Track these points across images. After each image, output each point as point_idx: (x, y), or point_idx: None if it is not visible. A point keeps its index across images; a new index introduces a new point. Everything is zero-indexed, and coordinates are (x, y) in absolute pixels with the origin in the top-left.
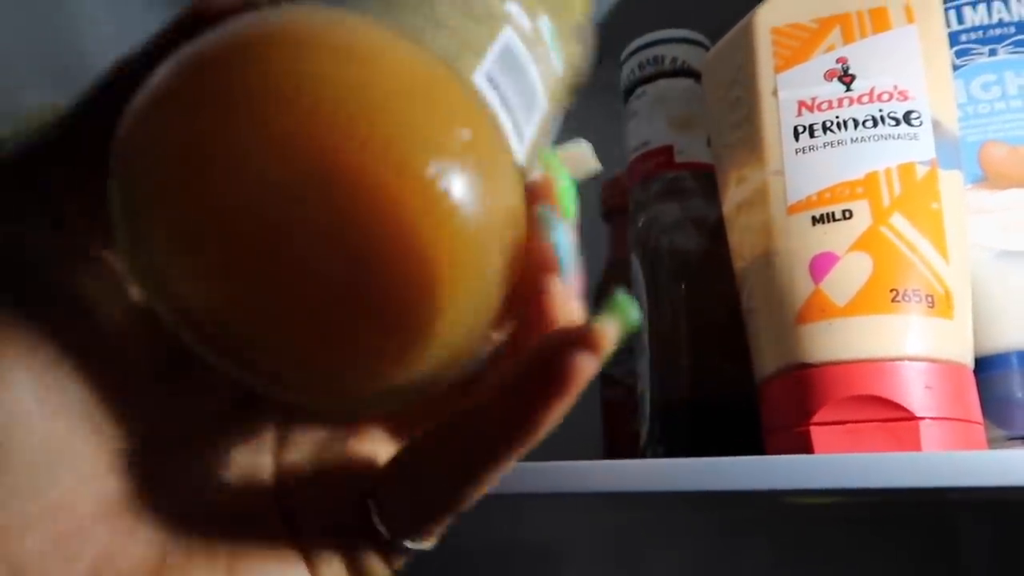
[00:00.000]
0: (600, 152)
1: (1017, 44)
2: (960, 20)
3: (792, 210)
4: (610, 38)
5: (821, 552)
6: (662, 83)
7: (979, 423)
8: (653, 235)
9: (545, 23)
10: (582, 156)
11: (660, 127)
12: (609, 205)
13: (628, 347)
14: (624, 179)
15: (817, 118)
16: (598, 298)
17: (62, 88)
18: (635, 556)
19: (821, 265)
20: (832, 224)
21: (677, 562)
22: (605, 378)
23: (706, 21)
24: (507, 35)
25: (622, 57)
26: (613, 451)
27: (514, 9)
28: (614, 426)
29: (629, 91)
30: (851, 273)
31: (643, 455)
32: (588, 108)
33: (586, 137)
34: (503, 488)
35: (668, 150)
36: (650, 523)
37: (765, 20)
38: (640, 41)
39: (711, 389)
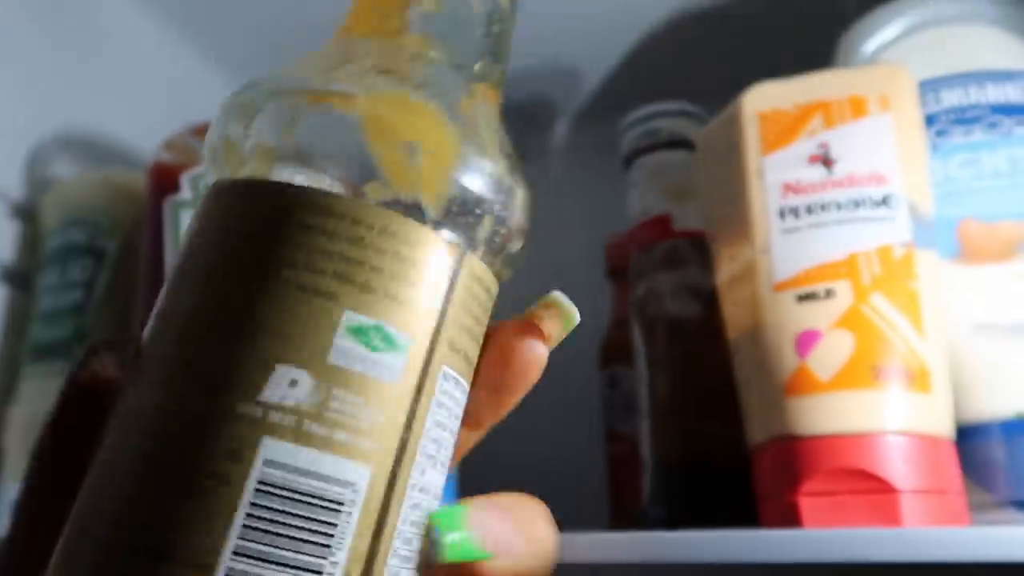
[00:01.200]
0: (606, 212)
1: (992, 125)
2: (938, 101)
3: (778, 288)
4: (612, 95)
5: None
6: (659, 155)
7: (960, 494)
8: (651, 302)
9: None
10: (564, 307)
11: (657, 197)
12: (614, 265)
13: (631, 404)
14: (627, 240)
15: (801, 200)
16: (604, 353)
17: (85, 158)
18: None
19: (806, 341)
20: (816, 302)
21: None
22: (610, 433)
23: (702, 88)
24: None
25: (622, 128)
26: (618, 504)
27: None
28: (619, 480)
29: (628, 161)
30: (834, 350)
31: (645, 513)
32: (598, 166)
33: (594, 196)
34: None
35: (666, 219)
36: None
37: (752, 105)
38: (637, 114)
39: (708, 453)
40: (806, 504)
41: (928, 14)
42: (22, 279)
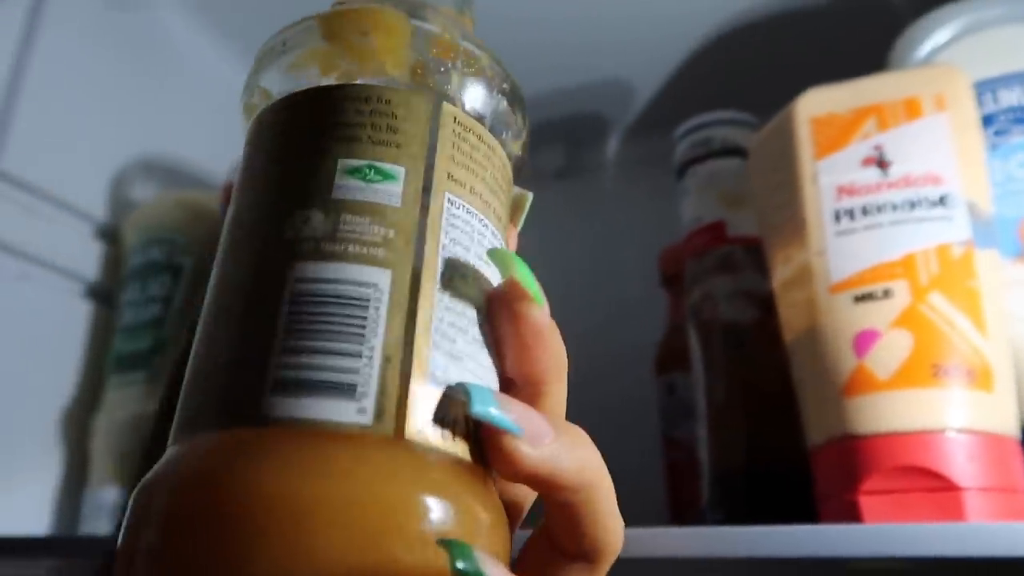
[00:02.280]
0: (657, 221)
1: None
2: (995, 101)
3: (834, 289)
4: (664, 108)
5: None
6: (712, 163)
7: None
8: (707, 307)
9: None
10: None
11: (711, 204)
12: (667, 272)
13: (688, 411)
14: (681, 248)
15: (856, 202)
16: (660, 360)
17: (163, 181)
18: None
19: (864, 341)
20: (873, 303)
21: None
22: (667, 440)
23: (754, 98)
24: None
25: (675, 137)
26: (677, 511)
27: None
28: (678, 486)
29: (682, 170)
30: (892, 349)
31: (704, 518)
32: (651, 179)
33: (647, 208)
34: None
35: (720, 226)
36: None
37: (805, 110)
38: (690, 124)
39: (766, 456)
40: (866, 503)
41: (982, 15)
42: (106, 295)
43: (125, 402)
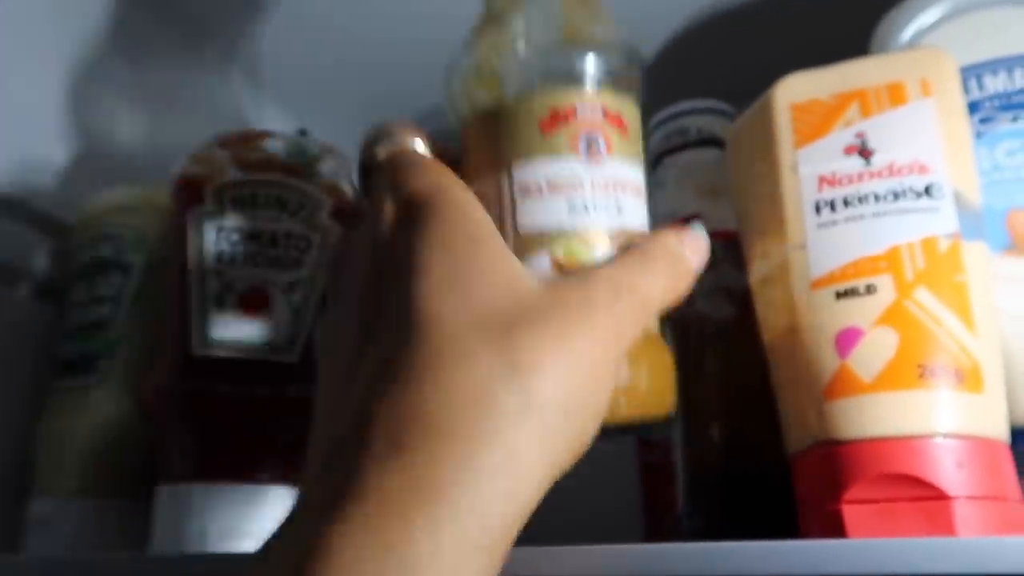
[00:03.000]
0: None
1: None
2: (981, 87)
3: (815, 285)
4: (645, 105)
5: None
6: (688, 154)
7: (1017, 500)
8: (683, 304)
9: None
10: None
11: (687, 197)
12: None
13: None
14: None
15: (838, 193)
16: None
17: (115, 174)
18: None
19: (846, 340)
20: (856, 299)
21: None
22: (642, 442)
23: (732, 88)
24: None
25: (649, 126)
26: (651, 515)
27: None
28: (653, 490)
29: (656, 161)
30: (877, 348)
31: (680, 523)
32: None
33: None
34: (539, 571)
35: (696, 219)
36: None
37: (784, 96)
38: (665, 112)
39: (744, 460)
40: (850, 512)
41: None
42: (54, 294)
43: (71, 408)
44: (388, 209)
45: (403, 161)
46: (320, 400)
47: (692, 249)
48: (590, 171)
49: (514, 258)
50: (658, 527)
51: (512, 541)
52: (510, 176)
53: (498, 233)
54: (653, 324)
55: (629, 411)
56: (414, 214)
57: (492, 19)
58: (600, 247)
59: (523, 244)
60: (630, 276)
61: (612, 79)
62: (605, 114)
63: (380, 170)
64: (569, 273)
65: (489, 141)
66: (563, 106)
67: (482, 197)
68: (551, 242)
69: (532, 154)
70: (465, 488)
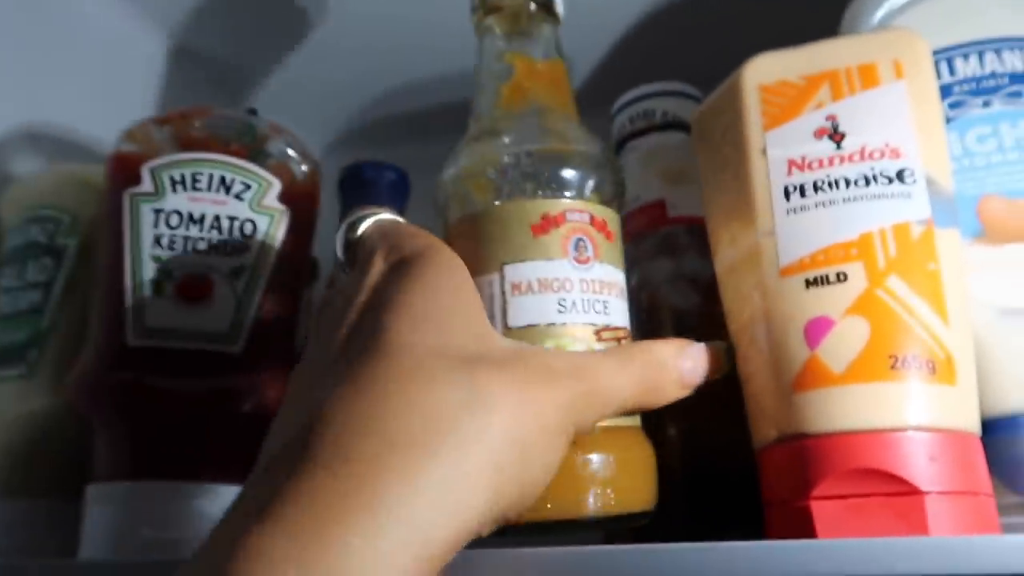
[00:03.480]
0: None
1: (1011, 95)
2: (952, 71)
3: (785, 272)
4: (603, 85)
5: None
6: (653, 137)
7: (990, 495)
8: (647, 293)
9: None
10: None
11: (652, 182)
12: None
13: None
14: None
15: (808, 177)
16: None
17: (47, 154)
18: None
19: (816, 330)
20: (826, 287)
21: None
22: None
23: (699, 73)
24: None
25: (613, 110)
26: None
27: None
28: None
29: (620, 145)
30: (848, 339)
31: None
32: None
33: None
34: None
35: (660, 205)
36: None
37: (753, 77)
38: (630, 95)
39: (712, 456)
40: (819, 509)
41: None
42: None
43: (1, 399)
44: (378, 262)
45: (395, 227)
46: (280, 409)
47: (692, 360)
48: (578, 271)
49: (488, 319)
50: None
51: (449, 560)
52: (502, 275)
53: (478, 294)
54: (634, 420)
55: (610, 506)
56: (405, 264)
57: (485, 131)
58: (586, 342)
59: (514, 338)
60: (597, 367)
61: (597, 189)
62: (592, 220)
63: (369, 236)
64: None
65: (479, 242)
66: (554, 212)
67: None
68: (540, 337)
69: (524, 255)
70: (409, 499)
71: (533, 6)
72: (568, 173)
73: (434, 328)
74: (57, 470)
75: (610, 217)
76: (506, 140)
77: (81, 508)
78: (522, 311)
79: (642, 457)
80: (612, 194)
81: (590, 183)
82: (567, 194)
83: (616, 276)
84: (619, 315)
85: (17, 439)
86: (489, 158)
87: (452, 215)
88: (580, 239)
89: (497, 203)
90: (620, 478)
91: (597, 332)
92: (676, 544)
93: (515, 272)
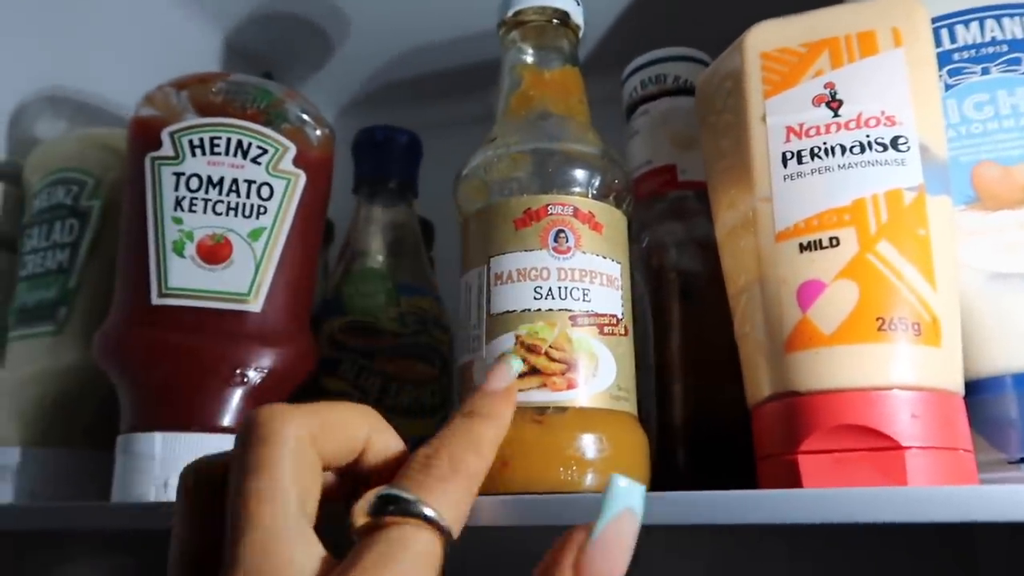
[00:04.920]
0: None
1: (1010, 63)
2: (952, 39)
3: (780, 237)
4: (612, 49)
5: (837, 570)
6: (665, 102)
7: (968, 451)
8: (656, 255)
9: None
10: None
11: (662, 146)
12: None
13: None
14: None
15: (805, 144)
16: None
17: (70, 117)
18: (647, 559)
19: (808, 293)
20: (819, 252)
21: (690, 565)
22: None
23: (710, 38)
24: None
25: (624, 75)
26: None
27: None
28: None
29: (631, 109)
30: (838, 301)
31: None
32: (602, 123)
33: None
34: (502, 519)
35: (671, 169)
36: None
37: (754, 44)
38: (642, 59)
39: (715, 413)
40: (806, 463)
41: None
42: (8, 241)
43: (29, 356)
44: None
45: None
46: None
47: (493, 378)
48: (556, 261)
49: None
50: None
51: None
52: (488, 266)
53: None
54: (630, 407)
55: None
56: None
57: (489, 139)
58: (561, 327)
59: (495, 324)
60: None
61: (588, 184)
62: (576, 212)
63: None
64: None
65: (477, 238)
66: (535, 206)
67: (468, 285)
68: (517, 322)
69: (506, 247)
70: None
71: (555, 21)
72: (552, 170)
73: None
74: (87, 422)
75: (600, 209)
76: (502, 144)
77: (111, 457)
78: (502, 299)
79: (635, 441)
80: (606, 188)
81: (578, 178)
82: (551, 190)
83: (603, 265)
84: (605, 302)
85: (49, 392)
86: (483, 163)
87: (460, 217)
88: (560, 231)
89: (488, 202)
90: (614, 459)
91: (572, 318)
92: (668, 492)
93: (498, 263)
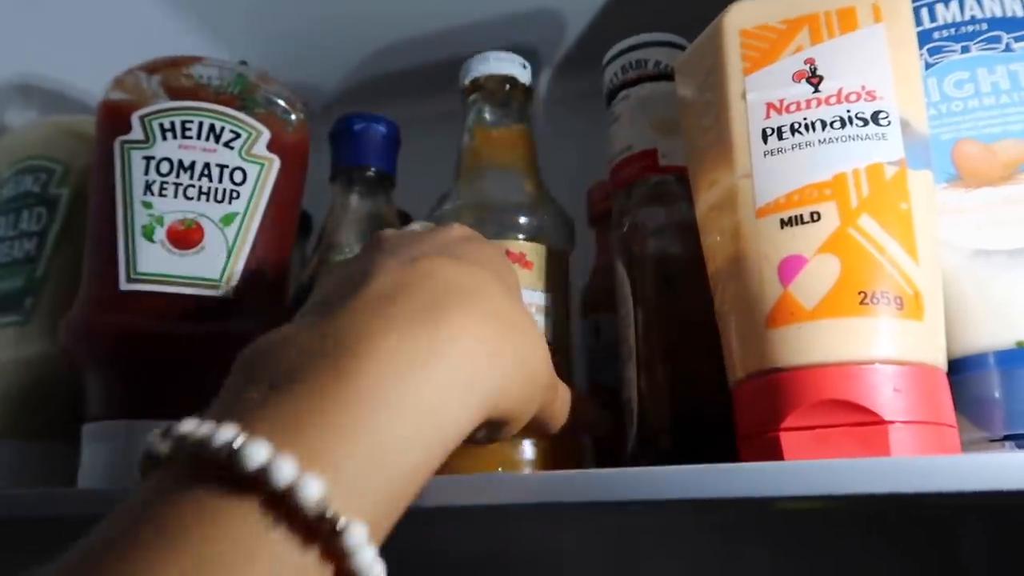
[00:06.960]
0: (586, 157)
1: (989, 41)
2: (932, 17)
3: (761, 213)
4: (594, 41)
5: (819, 555)
6: (645, 87)
7: (952, 426)
8: (637, 240)
9: None
10: None
11: (643, 131)
12: (594, 211)
13: (615, 354)
14: (609, 180)
15: (785, 120)
16: (587, 301)
17: (38, 104)
18: (632, 560)
19: (790, 268)
20: (800, 227)
21: (676, 566)
22: (594, 385)
23: (690, 24)
24: None
25: (605, 61)
26: (602, 457)
27: None
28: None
29: (612, 95)
30: (819, 276)
31: (631, 461)
32: (583, 113)
33: (579, 144)
34: (489, 499)
35: (652, 154)
36: (648, 528)
37: (734, 22)
38: (623, 45)
39: (696, 395)
40: (788, 440)
41: None
42: None
43: None
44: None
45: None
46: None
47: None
48: None
49: None
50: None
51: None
52: None
53: None
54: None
55: None
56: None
57: (444, 194)
58: None
59: None
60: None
61: (519, 229)
62: (508, 253)
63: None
64: None
65: None
66: None
67: None
68: None
69: None
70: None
71: (507, 85)
72: (486, 218)
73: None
74: (52, 414)
75: (530, 249)
76: (452, 200)
77: (76, 450)
78: None
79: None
80: (538, 231)
81: (510, 223)
82: (491, 236)
83: (532, 297)
84: None
85: (14, 383)
86: (439, 216)
87: None
88: None
89: None
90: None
91: None
92: (654, 468)
93: None
